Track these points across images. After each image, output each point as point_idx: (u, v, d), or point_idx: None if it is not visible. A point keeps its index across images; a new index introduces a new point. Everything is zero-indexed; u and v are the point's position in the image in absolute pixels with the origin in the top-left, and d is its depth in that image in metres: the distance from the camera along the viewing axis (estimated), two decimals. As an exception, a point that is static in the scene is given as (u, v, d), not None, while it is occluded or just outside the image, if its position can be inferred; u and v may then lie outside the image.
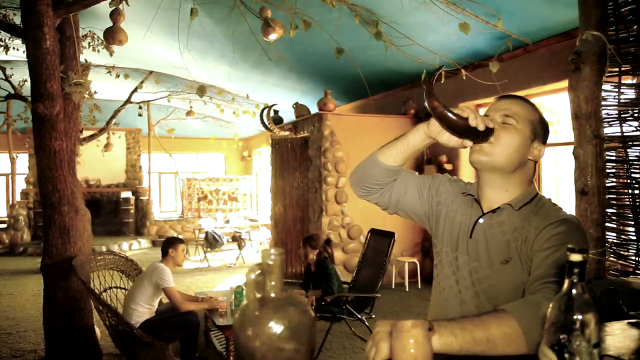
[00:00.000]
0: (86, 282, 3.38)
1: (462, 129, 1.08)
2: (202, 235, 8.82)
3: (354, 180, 1.36)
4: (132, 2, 4.08)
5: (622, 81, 2.79)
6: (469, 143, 1.15)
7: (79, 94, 3.62)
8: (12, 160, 10.60)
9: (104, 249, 9.08)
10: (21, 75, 6.15)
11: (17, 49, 5.23)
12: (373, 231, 4.55)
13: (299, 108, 6.99)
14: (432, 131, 1.16)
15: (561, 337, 0.66)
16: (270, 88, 8.10)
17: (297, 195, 6.89)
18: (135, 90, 7.70)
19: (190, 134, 12.13)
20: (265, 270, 0.76)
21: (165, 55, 6.82)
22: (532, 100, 1.30)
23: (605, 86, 2.73)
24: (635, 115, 2.76)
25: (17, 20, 4.61)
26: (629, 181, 2.80)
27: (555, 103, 5.26)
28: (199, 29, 5.06)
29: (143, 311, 3.46)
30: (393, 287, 6.29)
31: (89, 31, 5.30)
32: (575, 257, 0.67)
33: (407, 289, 6.16)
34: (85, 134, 6.66)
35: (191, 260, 8.71)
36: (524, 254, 1.12)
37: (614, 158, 2.84)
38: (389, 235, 4.27)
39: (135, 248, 10.46)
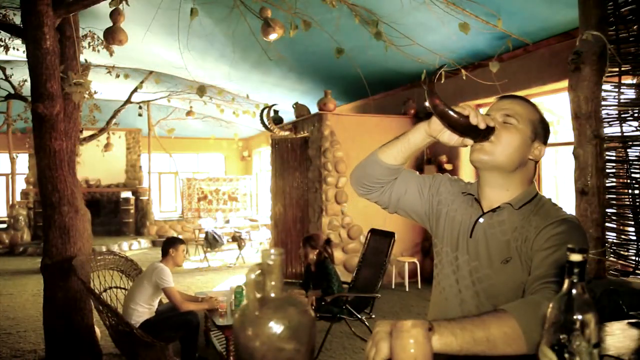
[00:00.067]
0: (86, 282, 3.38)
1: (463, 127, 1.08)
2: (202, 235, 8.82)
3: (355, 178, 1.36)
4: (132, 2, 4.08)
5: (622, 81, 2.79)
6: (469, 142, 1.15)
7: (79, 94, 3.62)
8: (12, 160, 10.60)
9: (104, 249, 9.09)
10: (21, 75, 6.15)
11: (17, 49, 5.23)
12: (373, 231, 4.55)
13: (299, 108, 6.99)
14: (433, 130, 1.16)
15: (561, 337, 0.66)
16: (270, 88, 8.10)
17: (297, 195, 6.89)
18: (135, 90, 7.70)
19: (190, 134, 12.13)
20: (265, 270, 0.76)
21: (165, 55, 6.82)
22: (532, 100, 1.30)
23: (605, 86, 2.73)
24: (635, 115, 2.76)
25: (17, 20, 4.61)
26: (629, 181, 2.80)
27: (555, 103, 5.26)
28: (199, 29, 5.06)
29: (143, 311, 3.46)
30: (393, 287, 6.29)
31: (89, 31, 5.30)
32: (575, 257, 0.67)
33: (407, 289, 6.16)
34: (85, 134, 6.66)
35: (191, 260, 8.71)
36: (524, 253, 1.12)
37: (614, 158, 2.84)
38: (389, 235, 4.27)
39: (135, 248, 10.46)
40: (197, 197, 11.79)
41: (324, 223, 6.27)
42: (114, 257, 4.05)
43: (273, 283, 0.76)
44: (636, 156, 2.77)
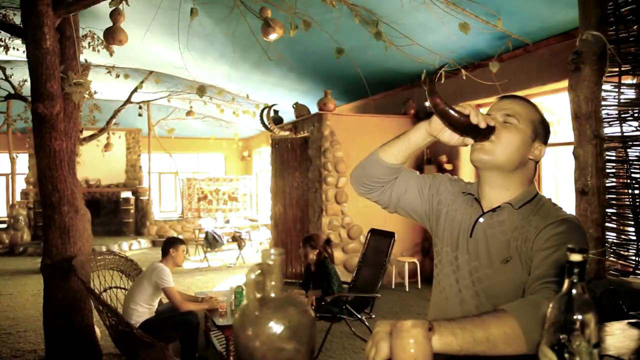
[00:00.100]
0: (86, 282, 3.38)
1: (463, 126, 1.08)
2: (202, 235, 8.82)
3: (355, 178, 1.36)
4: (132, 2, 4.08)
5: (622, 81, 2.79)
6: (470, 141, 1.15)
7: (79, 94, 3.62)
8: (12, 160, 10.60)
9: (104, 249, 9.09)
10: (21, 75, 6.15)
11: (17, 49, 5.23)
12: (373, 231, 4.55)
13: (299, 108, 6.99)
14: (434, 129, 1.16)
15: (561, 337, 0.66)
16: (270, 88, 8.10)
17: (297, 195, 6.89)
18: (135, 90, 7.70)
19: (190, 134, 12.13)
20: (265, 270, 0.76)
21: (165, 55, 6.82)
22: (532, 100, 1.30)
23: (605, 86, 2.73)
24: (635, 115, 2.76)
25: (17, 20, 4.61)
26: (629, 181, 2.80)
27: (555, 103, 5.26)
28: (199, 29, 5.06)
29: (143, 311, 3.46)
30: (393, 287, 6.29)
31: (89, 31, 5.30)
32: (575, 257, 0.67)
33: (407, 289, 6.16)
34: (85, 134, 6.66)
35: (191, 260, 8.71)
36: (524, 253, 1.12)
37: (614, 158, 2.84)
38: (389, 235, 4.27)
39: (135, 248, 10.46)
40: (197, 197, 11.80)
41: (324, 223, 6.27)
42: (114, 257, 4.05)
43: (273, 283, 0.76)
44: (636, 156, 2.77)
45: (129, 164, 12.10)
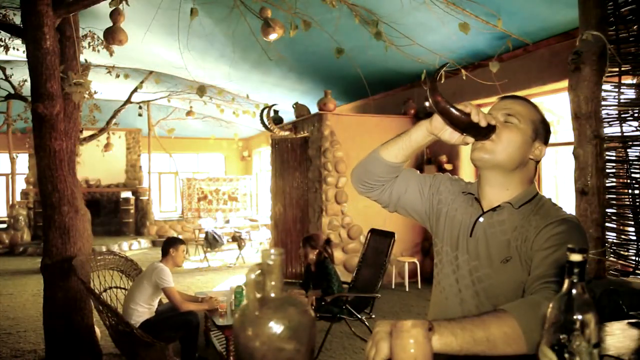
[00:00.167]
0: (86, 282, 3.38)
1: (464, 125, 1.08)
2: (202, 235, 8.82)
3: (356, 176, 1.36)
4: (132, 2, 4.08)
5: (622, 81, 2.79)
6: (470, 140, 1.16)
7: (79, 94, 3.62)
8: (12, 160, 10.61)
9: (104, 249, 9.09)
10: (21, 75, 6.15)
11: (17, 49, 5.23)
12: (373, 231, 4.55)
13: (299, 108, 6.99)
14: (435, 127, 1.16)
15: (561, 337, 0.66)
16: (270, 88, 8.10)
17: (297, 195, 6.89)
18: (135, 90, 7.70)
19: (190, 134, 12.13)
20: (265, 270, 0.76)
21: (165, 55, 6.82)
22: (532, 100, 1.31)
23: (605, 86, 2.73)
24: (635, 115, 2.76)
25: (17, 20, 4.61)
26: (629, 181, 2.80)
27: (555, 103, 5.26)
28: (199, 29, 5.06)
29: (143, 311, 3.46)
30: (393, 287, 6.29)
31: (89, 31, 5.30)
32: (575, 257, 0.67)
33: (407, 289, 6.16)
34: (85, 134, 6.66)
35: (191, 260, 8.72)
36: (523, 253, 1.12)
37: (614, 158, 2.84)
38: (389, 235, 4.27)
39: (135, 248, 10.46)
40: (197, 197, 11.79)
41: (324, 223, 6.27)
42: (114, 257, 4.05)
43: (273, 283, 0.76)
44: (636, 156, 2.77)
45: (129, 164, 12.10)
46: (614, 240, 2.85)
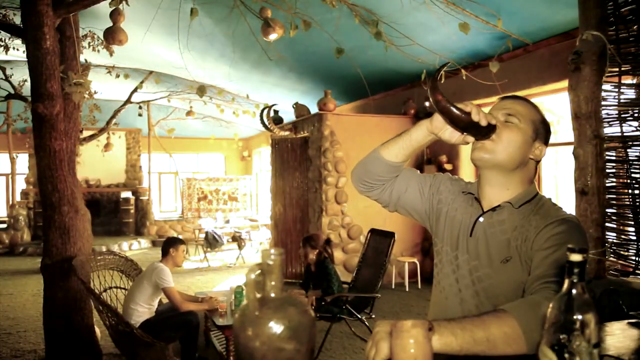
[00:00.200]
0: (86, 282, 3.38)
1: (464, 124, 1.09)
2: (202, 235, 8.82)
3: (356, 175, 1.36)
4: (132, 2, 4.08)
5: (622, 81, 2.79)
6: (470, 139, 1.16)
7: (79, 94, 3.62)
8: (12, 160, 10.61)
9: (104, 249, 9.09)
10: (21, 75, 6.15)
11: (17, 49, 5.23)
12: (373, 231, 4.55)
13: (299, 108, 6.99)
14: (435, 127, 1.17)
15: (561, 337, 0.66)
16: (270, 88, 8.10)
17: (297, 195, 6.89)
18: (135, 90, 7.70)
19: (190, 134, 12.13)
20: (265, 270, 0.76)
21: (165, 55, 6.82)
22: (532, 100, 1.31)
23: (605, 86, 2.73)
24: (635, 115, 2.76)
25: (17, 20, 4.61)
26: (629, 181, 2.80)
27: (555, 103, 5.26)
28: (199, 29, 5.06)
29: (143, 311, 3.46)
30: (393, 287, 6.29)
31: (89, 31, 5.30)
32: (575, 257, 0.67)
33: (407, 289, 6.16)
34: (85, 134, 6.66)
35: (191, 260, 8.72)
36: (523, 253, 1.12)
37: (614, 158, 2.84)
38: (389, 235, 4.27)
39: (135, 248, 10.46)
40: (197, 197, 11.80)
41: (324, 223, 6.27)
42: (114, 257, 4.05)
43: (273, 283, 0.76)
44: (636, 156, 2.77)
45: (129, 164, 12.10)
46: (614, 240, 2.85)
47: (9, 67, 6.34)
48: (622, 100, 2.79)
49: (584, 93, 2.66)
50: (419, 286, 6.25)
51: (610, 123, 2.81)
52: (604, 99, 2.75)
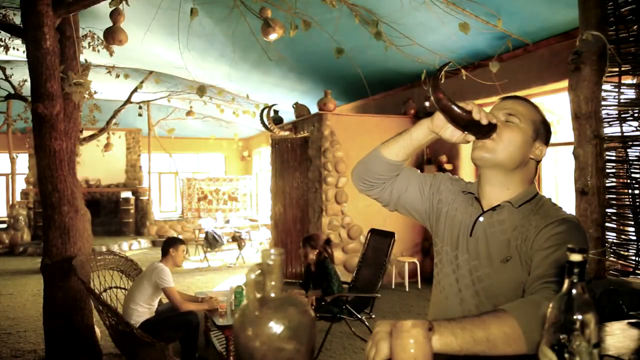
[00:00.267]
0: (86, 282, 3.38)
1: (465, 122, 1.09)
2: (202, 235, 8.82)
3: (356, 174, 1.36)
4: (132, 2, 4.08)
5: (622, 81, 2.79)
6: (471, 138, 1.16)
7: (79, 94, 3.62)
8: (12, 160, 10.61)
9: (104, 249, 9.09)
10: (21, 75, 6.15)
11: (17, 49, 5.23)
12: (373, 231, 4.55)
13: (299, 108, 6.99)
14: (436, 125, 1.17)
15: (561, 337, 0.66)
16: (270, 88, 8.10)
17: (297, 195, 6.89)
18: (135, 90, 7.70)
19: (190, 134, 12.13)
20: (265, 270, 0.76)
21: (165, 55, 6.82)
22: (532, 100, 1.31)
23: (605, 86, 2.73)
24: (635, 115, 2.76)
25: (17, 20, 4.61)
26: (629, 181, 2.80)
27: (555, 103, 5.26)
28: (199, 29, 5.06)
29: (143, 311, 3.46)
30: (393, 287, 6.29)
31: (89, 31, 5.30)
32: (575, 257, 0.67)
33: (407, 289, 6.16)
34: (85, 134, 6.66)
35: (191, 260, 8.72)
36: (523, 253, 1.12)
37: (614, 158, 2.84)
38: (389, 235, 4.27)
39: (135, 248, 10.46)
40: (197, 197, 11.79)
41: (324, 223, 6.27)
42: (114, 257, 4.05)
43: (273, 283, 0.76)
44: (636, 156, 2.77)
45: (129, 164, 12.10)
46: (614, 240, 2.85)
47: (9, 67, 6.34)
48: (622, 100, 2.79)
49: (584, 93, 2.66)
50: (419, 286, 6.25)
51: (610, 123, 2.81)
52: (604, 99, 2.75)
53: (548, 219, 1.11)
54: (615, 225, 2.88)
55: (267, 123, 6.66)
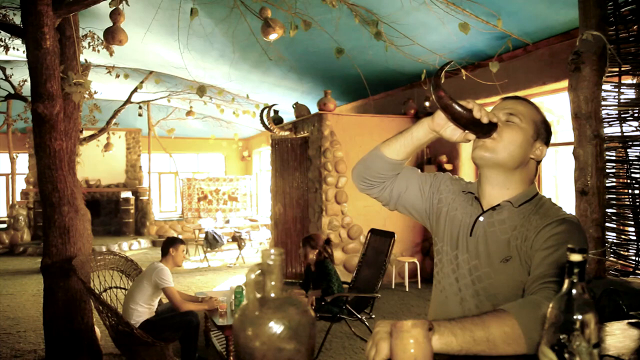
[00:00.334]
0: (86, 282, 3.38)
1: (466, 121, 1.09)
2: (202, 235, 8.82)
3: (356, 173, 1.36)
4: (132, 2, 4.09)
5: (622, 81, 2.79)
6: (472, 136, 1.16)
7: (79, 94, 3.62)
8: (12, 160, 10.61)
9: (104, 249, 9.09)
10: (21, 75, 6.15)
11: (17, 49, 5.23)
12: (373, 231, 4.55)
13: (299, 108, 6.99)
14: (437, 124, 1.17)
15: (561, 337, 0.66)
16: (270, 88, 8.10)
17: (297, 195, 6.89)
18: (135, 90, 7.70)
19: (190, 134, 12.13)
20: (265, 270, 0.76)
21: (165, 55, 6.82)
22: (532, 100, 1.31)
23: (605, 86, 2.73)
24: (635, 115, 2.76)
25: (17, 20, 4.61)
26: (629, 181, 2.80)
27: (555, 103, 5.26)
28: (199, 29, 5.06)
29: (143, 311, 3.46)
30: (393, 287, 6.29)
31: (89, 31, 5.30)
32: (575, 257, 0.67)
33: (407, 289, 6.16)
34: (85, 134, 6.66)
35: (191, 260, 8.72)
36: (523, 252, 1.12)
37: (614, 158, 2.84)
38: (389, 235, 4.27)
39: (135, 248, 10.46)
40: (197, 197, 11.79)
41: (324, 223, 6.27)
42: (114, 257, 4.05)
43: (273, 283, 0.76)
44: (636, 156, 2.77)
45: (129, 164, 12.10)
46: (614, 240, 2.85)
47: (9, 67, 6.35)
48: (622, 100, 2.79)
49: (584, 93, 2.65)
50: (419, 286, 6.25)
51: (610, 123, 2.81)
52: (604, 99, 2.75)
53: (548, 219, 1.11)
54: (615, 225, 2.88)
55: (267, 123, 6.66)
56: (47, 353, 3.57)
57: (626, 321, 1.36)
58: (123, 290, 3.96)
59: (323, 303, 3.86)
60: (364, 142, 6.24)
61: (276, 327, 0.71)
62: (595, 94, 2.66)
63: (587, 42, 2.63)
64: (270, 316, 0.72)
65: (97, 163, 10.88)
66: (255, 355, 0.71)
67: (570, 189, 2.83)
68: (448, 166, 6.15)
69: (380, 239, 4.38)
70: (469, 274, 1.20)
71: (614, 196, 2.86)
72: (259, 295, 0.76)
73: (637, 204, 2.76)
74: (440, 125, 1.16)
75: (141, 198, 11.78)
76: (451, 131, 1.16)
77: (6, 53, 5.50)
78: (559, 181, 5.48)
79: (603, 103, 2.73)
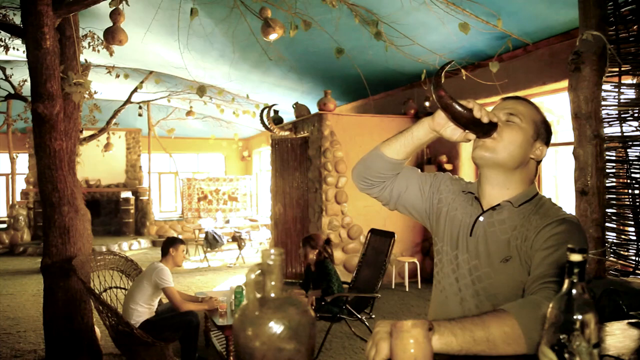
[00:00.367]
0: (86, 282, 3.38)
1: (466, 120, 1.09)
2: (202, 235, 8.82)
3: (356, 173, 1.36)
4: (132, 2, 4.08)
5: (622, 81, 2.79)
6: (472, 136, 1.16)
7: (79, 94, 3.62)
8: (12, 160, 10.61)
9: (104, 249, 9.09)
10: (21, 75, 6.15)
11: (17, 49, 5.23)
12: (373, 231, 4.55)
13: (299, 108, 6.99)
14: (437, 124, 1.17)
15: (561, 337, 0.66)
16: (270, 88, 8.10)
17: (297, 195, 6.89)
18: (135, 90, 7.70)
19: (190, 134, 12.13)
20: (265, 270, 0.76)
21: (165, 55, 6.82)
22: (532, 100, 1.31)
23: (605, 86, 2.73)
24: (635, 115, 2.76)
25: (17, 20, 4.61)
26: (629, 181, 2.80)
27: (555, 103, 5.26)
28: (199, 29, 5.06)
29: (143, 311, 3.46)
30: (393, 287, 6.29)
31: (89, 31, 5.30)
32: (575, 257, 0.67)
33: (407, 289, 6.16)
34: (85, 134, 6.66)
35: (191, 260, 8.72)
36: (523, 252, 1.12)
37: (614, 158, 2.84)
38: (389, 235, 4.27)
39: (135, 248, 10.46)
40: (197, 197, 11.79)
41: (324, 223, 6.27)
42: (114, 257, 4.05)
43: (273, 283, 0.76)
44: (636, 156, 2.77)
45: (129, 164, 12.10)
46: (614, 240, 2.85)
47: (9, 67, 6.35)
48: (622, 100, 2.79)
49: (584, 93, 2.65)
50: (419, 286, 6.25)
51: (610, 123, 2.81)
52: (604, 99, 2.75)
53: (548, 219, 1.11)
54: (615, 225, 2.88)
55: (267, 123, 6.66)
56: (47, 353, 3.57)
57: (626, 321, 1.36)
58: (123, 290, 3.96)
59: (323, 303, 3.86)
60: (364, 142, 6.24)
61: (276, 327, 0.71)
62: (595, 94, 2.66)
63: (587, 42, 2.63)
64: (270, 316, 0.72)
65: (97, 163, 10.88)
66: (255, 355, 0.71)
67: (570, 189, 2.83)
68: (448, 166, 6.15)
69: (380, 239, 4.38)
70: (469, 274, 1.20)
71: (614, 196, 2.86)
72: (259, 295, 0.76)
73: (637, 204, 2.76)
74: (441, 124, 1.16)
75: (141, 198, 11.78)
76: (451, 131, 1.16)
77: (6, 53, 5.50)
78: (559, 181, 5.48)
79: (603, 103, 2.73)
